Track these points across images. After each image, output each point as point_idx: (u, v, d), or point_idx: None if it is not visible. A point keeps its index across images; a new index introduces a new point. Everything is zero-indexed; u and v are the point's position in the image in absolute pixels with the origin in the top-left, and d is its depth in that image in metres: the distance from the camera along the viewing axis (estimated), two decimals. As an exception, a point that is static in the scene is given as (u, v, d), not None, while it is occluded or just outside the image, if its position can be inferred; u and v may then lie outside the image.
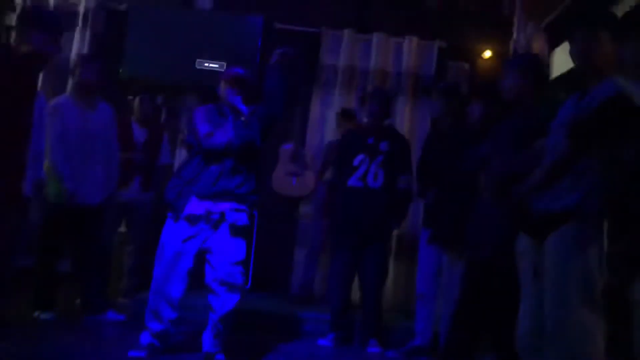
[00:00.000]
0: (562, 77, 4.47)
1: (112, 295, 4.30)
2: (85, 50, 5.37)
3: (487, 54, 5.74)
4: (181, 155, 5.69)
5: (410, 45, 5.72)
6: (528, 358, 2.31)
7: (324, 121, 5.63)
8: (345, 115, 5.01)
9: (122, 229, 4.63)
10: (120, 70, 5.42)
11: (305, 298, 4.89)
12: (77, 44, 5.47)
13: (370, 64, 5.71)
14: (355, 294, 4.29)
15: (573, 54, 2.25)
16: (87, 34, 5.50)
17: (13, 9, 5.24)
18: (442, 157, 3.67)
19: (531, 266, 2.31)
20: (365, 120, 4.21)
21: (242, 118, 3.19)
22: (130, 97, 4.85)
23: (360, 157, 3.97)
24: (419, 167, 3.94)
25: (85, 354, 3.18)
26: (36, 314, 3.72)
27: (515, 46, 5.35)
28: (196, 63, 5.51)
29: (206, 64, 5.51)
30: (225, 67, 5.40)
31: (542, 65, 2.85)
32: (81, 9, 5.51)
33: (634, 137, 2.00)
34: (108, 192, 3.97)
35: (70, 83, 4.54)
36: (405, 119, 5.63)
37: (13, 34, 2.81)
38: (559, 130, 2.24)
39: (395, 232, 5.32)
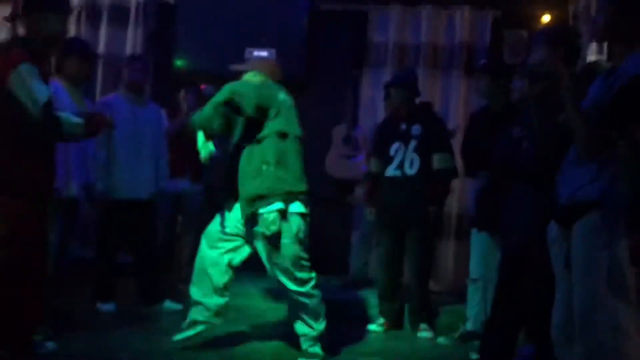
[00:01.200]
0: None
1: (174, 284, 4.47)
2: (138, 46, 5.52)
3: (546, 18, 5.41)
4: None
5: (462, 15, 5.48)
6: (562, 349, 2.20)
7: (376, 101, 5.52)
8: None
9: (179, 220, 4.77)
10: (174, 63, 5.55)
11: (360, 281, 4.89)
12: (131, 40, 5.64)
13: (421, 39, 5.53)
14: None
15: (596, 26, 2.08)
16: (140, 30, 5.65)
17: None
18: (487, 138, 3.51)
19: (561, 255, 2.19)
20: (394, 105, 4.12)
21: None
22: (180, 92, 4.94)
23: (395, 145, 3.92)
24: (463, 147, 3.80)
25: (142, 343, 3.33)
26: (97, 305, 3.93)
27: (575, 10, 5.02)
28: (245, 52, 5.53)
29: (255, 53, 5.53)
30: (274, 54, 5.41)
31: (574, 37, 2.65)
32: (132, 6, 5.66)
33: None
34: (157, 187, 4.10)
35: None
36: (461, 95, 5.42)
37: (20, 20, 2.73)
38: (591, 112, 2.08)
39: (454, 212, 5.21)
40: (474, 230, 3.70)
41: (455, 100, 5.35)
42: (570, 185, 2.10)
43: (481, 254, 3.62)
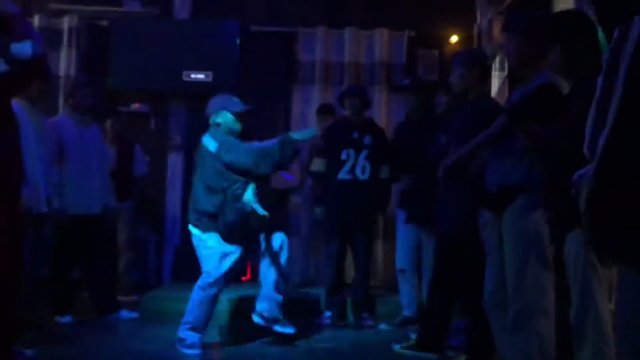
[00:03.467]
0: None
1: (121, 294, 4.64)
2: (72, 68, 5.64)
3: (454, 39, 6.07)
4: (172, 160, 6.02)
5: (381, 36, 6.03)
6: (493, 314, 2.69)
7: (306, 116, 5.93)
8: (324, 110, 5.31)
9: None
10: (108, 83, 5.70)
11: (301, 283, 5.25)
12: (65, 61, 5.74)
13: (345, 58, 6.02)
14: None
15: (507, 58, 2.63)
16: (73, 51, 5.77)
17: None
18: (412, 146, 4.02)
19: (494, 236, 2.68)
20: (347, 115, 4.51)
21: None
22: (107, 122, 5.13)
23: (346, 151, 4.30)
24: (393, 159, 4.29)
25: (105, 350, 3.52)
26: (56, 318, 4.05)
27: (479, 31, 5.69)
28: (183, 75, 5.77)
29: (192, 75, 5.78)
30: (211, 77, 5.71)
31: (485, 58, 3.21)
32: (65, 28, 5.77)
33: (556, 121, 2.37)
34: (105, 202, 4.28)
35: (63, 103, 4.81)
36: (382, 109, 5.94)
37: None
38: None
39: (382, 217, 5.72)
40: (399, 226, 4.19)
41: (377, 114, 5.85)
42: (496, 174, 2.60)
43: (407, 246, 4.10)
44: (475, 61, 3.09)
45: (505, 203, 2.56)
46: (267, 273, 3.62)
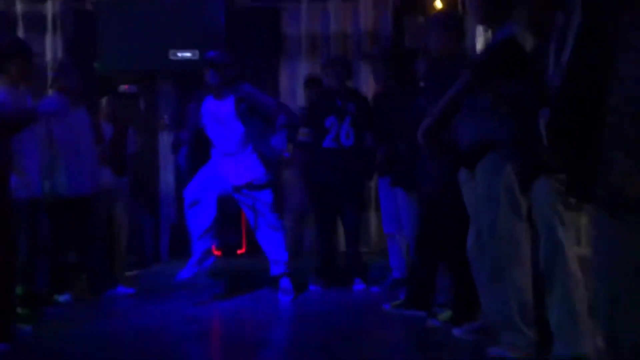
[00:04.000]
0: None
1: (118, 272, 4.73)
2: (59, 52, 5.67)
3: (439, 4, 6.06)
4: (163, 138, 6.08)
5: (365, 6, 6.03)
6: (475, 268, 2.76)
7: (294, 90, 5.97)
8: (312, 81, 5.32)
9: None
10: (96, 66, 5.73)
11: (297, 255, 5.33)
12: (50, 46, 5.77)
13: (330, 30, 6.03)
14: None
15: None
16: (58, 37, 5.79)
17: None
18: (389, 113, 4.06)
19: (471, 193, 2.74)
20: (330, 84, 4.53)
21: None
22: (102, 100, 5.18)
23: (330, 119, 4.34)
24: (373, 127, 4.33)
25: (103, 326, 3.62)
26: (55, 297, 4.14)
27: (463, -4, 5.68)
28: (170, 53, 5.79)
29: (179, 54, 5.80)
30: (197, 55, 5.73)
31: (461, 20, 3.24)
32: (49, 13, 5.78)
33: (518, 76, 2.41)
34: (96, 182, 4.35)
35: (50, 86, 4.82)
36: (369, 79, 5.96)
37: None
38: None
39: (372, 185, 5.79)
40: (381, 193, 4.25)
41: (364, 84, 5.87)
42: (467, 132, 2.65)
43: (390, 211, 4.16)
44: (451, 23, 3.12)
45: (476, 159, 2.61)
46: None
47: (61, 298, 4.15)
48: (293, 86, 5.98)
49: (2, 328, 2.90)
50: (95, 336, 3.36)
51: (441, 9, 6.01)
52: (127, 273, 4.83)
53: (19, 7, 5.66)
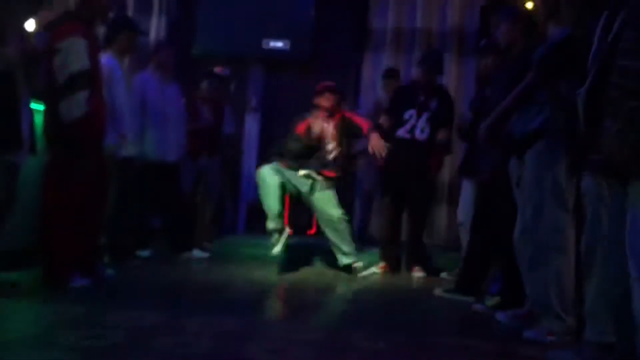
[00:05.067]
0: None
1: (197, 239, 5.09)
2: (162, 33, 6.15)
3: (529, 4, 5.99)
4: (249, 121, 6.43)
5: (453, 3, 6.08)
6: (520, 255, 2.81)
7: (374, 82, 6.12)
8: (390, 74, 5.46)
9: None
10: (193, 50, 6.17)
11: (364, 238, 5.50)
12: (155, 27, 6.27)
13: (417, 24, 6.13)
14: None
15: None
16: (163, 19, 6.28)
17: None
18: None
19: (520, 181, 2.80)
20: (417, 78, 4.63)
21: None
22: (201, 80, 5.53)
23: (410, 112, 4.47)
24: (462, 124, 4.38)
25: (174, 276, 3.97)
26: (137, 252, 4.56)
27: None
28: (262, 43, 6.14)
29: (272, 44, 6.14)
30: (288, 45, 6.03)
31: (529, 14, 3.27)
32: (156, -3, 6.29)
33: (574, 73, 2.44)
34: (182, 152, 4.72)
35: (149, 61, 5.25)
36: (452, 76, 6.02)
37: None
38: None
39: (446, 181, 5.84)
40: (462, 183, 4.33)
41: (447, 82, 5.92)
42: (521, 122, 2.72)
43: (466, 200, 4.23)
44: (519, 17, 3.18)
45: (525, 148, 2.67)
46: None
47: (142, 253, 4.56)
48: (374, 78, 6.13)
49: (88, 265, 3.29)
50: (166, 284, 3.71)
51: (532, 8, 5.98)
52: (206, 243, 5.17)
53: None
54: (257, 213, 6.21)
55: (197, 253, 4.75)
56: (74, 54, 3.10)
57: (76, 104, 3.10)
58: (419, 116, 4.45)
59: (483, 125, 2.97)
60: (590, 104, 1.58)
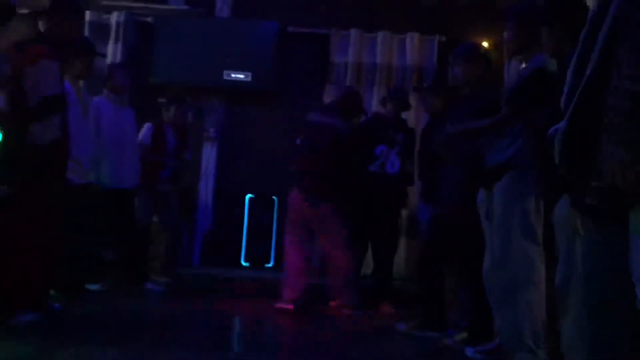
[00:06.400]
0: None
1: (152, 270, 4.89)
2: (118, 59, 6.00)
3: (484, 44, 6.17)
4: (207, 150, 6.31)
5: (412, 41, 6.19)
6: (490, 290, 2.78)
7: (336, 115, 6.11)
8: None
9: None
10: (150, 78, 6.03)
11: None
12: (111, 54, 6.11)
13: (377, 61, 6.21)
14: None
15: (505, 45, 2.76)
16: (119, 45, 6.14)
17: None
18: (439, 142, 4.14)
19: (485, 212, 2.80)
20: (384, 113, 4.74)
21: None
22: (162, 102, 5.40)
23: (381, 147, 4.50)
24: (420, 155, 4.46)
25: (125, 312, 3.76)
26: (87, 286, 4.32)
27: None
28: (224, 74, 6.06)
29: (233, 75, 6.07)
30: (250, 77, 5.99)
31: (484, 52, 3.34)
32: (113, 23, 6.15)
33: (548, 103, 2.47)
34: (136, 178, 4.56)
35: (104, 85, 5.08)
36: (412, 111, 6.07)
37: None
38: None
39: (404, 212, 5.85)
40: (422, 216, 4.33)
41: (407, 115, 5.98)
42: (492, 154, 2.73)
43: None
44: (473, 55, 3.26)
45: (493, 180, 2.68)
46: None
47: (91, 287, 4.32)
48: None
49: (37, 299, 3.07)
50: (119, 319, 3.52)
51: (487, 48, 6.16)
52: (158, 277, 4.96)
53: (87, 15, 6.03)
54: (212, 245, 6.10)
55: (151, 286, 4.54)
56: (47, 77, 2.98)
57: (49, 128, 2.97)
58: (389, 151, 4.49)
59: (451, 127, 2.97)
60: (571, 142, 1.56)
